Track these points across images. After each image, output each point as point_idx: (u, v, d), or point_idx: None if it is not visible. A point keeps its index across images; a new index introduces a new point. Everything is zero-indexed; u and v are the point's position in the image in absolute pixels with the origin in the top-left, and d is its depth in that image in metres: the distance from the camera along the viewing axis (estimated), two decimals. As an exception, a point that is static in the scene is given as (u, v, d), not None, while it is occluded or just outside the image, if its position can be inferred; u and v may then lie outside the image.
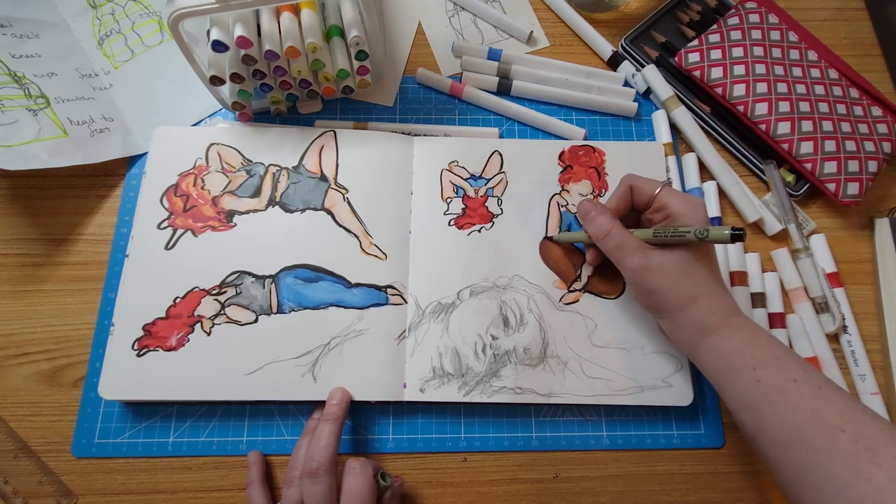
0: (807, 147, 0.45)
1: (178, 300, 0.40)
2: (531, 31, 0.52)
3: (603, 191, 0.46)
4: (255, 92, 0.44)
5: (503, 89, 0.50)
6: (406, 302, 0.42)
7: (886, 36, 0.54)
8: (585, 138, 0.48)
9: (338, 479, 0.34)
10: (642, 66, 0.51)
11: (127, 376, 0.38)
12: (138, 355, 0.39)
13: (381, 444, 0.40)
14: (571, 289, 0.43)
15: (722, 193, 0.47)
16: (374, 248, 0.43)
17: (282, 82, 0.43)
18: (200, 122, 0.47)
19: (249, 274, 0.41)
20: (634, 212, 0.40)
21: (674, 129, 0.49)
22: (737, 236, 0.32)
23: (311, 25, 0.40)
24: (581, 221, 0.39)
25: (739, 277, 0.44)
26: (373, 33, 0.41)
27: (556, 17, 0.54)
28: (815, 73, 0.48)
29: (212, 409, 0.40)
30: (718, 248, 0.45)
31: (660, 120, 0.49)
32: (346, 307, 0.41)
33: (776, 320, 0.44)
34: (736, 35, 0.48)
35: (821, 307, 0.44)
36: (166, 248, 0.41)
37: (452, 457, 0.40)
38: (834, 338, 0.44)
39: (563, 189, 0.46)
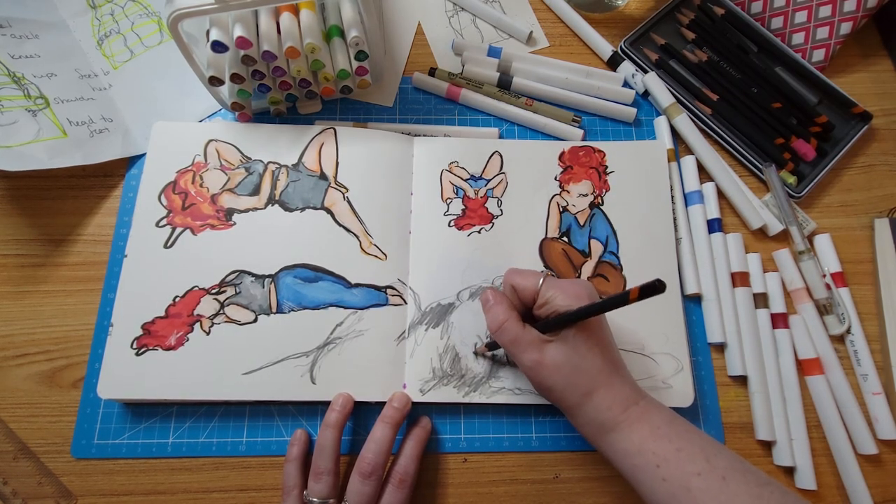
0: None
1: (177, 299, 0.40)
2: (531, 32, 0.52)
3: (604, 191, 0.46)
4: (255, 92, 0.44)
5: (503, 85, 0.50)
6: (406, 302, 0.42)
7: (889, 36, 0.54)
8: (584, 139, 0.48)
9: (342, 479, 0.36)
10: (642, 68, 0.51)
11: (126, 375, 0.38)
12: (137, 354, 0.39)
13: (381, 444, 0.40)
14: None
15: (722, 195, 0.47)
16: (374, 248, 0.43)
17: (281, 83, 0.43)
18: (200, 122, 0.47)
19: (249, 273, 0.41)
20: (526, 308, 0.37)
21: (674, 132, 0.49)
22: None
23: (310, 26, 0.40)
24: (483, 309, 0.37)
25: (741, 278, 0.44)
26: (373, 33, 0.41)
27: (555, 17, 0.54)
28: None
29: (211, 409, 0.40)
30: (718, 244, 0.45)
31: (661, 126, 0.49)
32: (345, 307, 0.41)
33: (778, 321, 0.43)
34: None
35: (824, 308, 0.44)
36: (165, 246, 0.41)
37: (452, 457, 0.40)
38: (837, 338, 0.44)
39: (563, 189, 0.46)
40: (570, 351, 0.33)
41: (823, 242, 0.46)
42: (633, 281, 0.43)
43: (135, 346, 0.39)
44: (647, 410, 0.32)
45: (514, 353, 0.34)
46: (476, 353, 0.41)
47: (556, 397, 0.34)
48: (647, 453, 0.31)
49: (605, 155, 0.47)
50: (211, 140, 0.45)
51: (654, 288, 0.27)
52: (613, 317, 0.42)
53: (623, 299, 0.29)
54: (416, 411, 0.40)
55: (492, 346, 0.40)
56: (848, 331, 0.43)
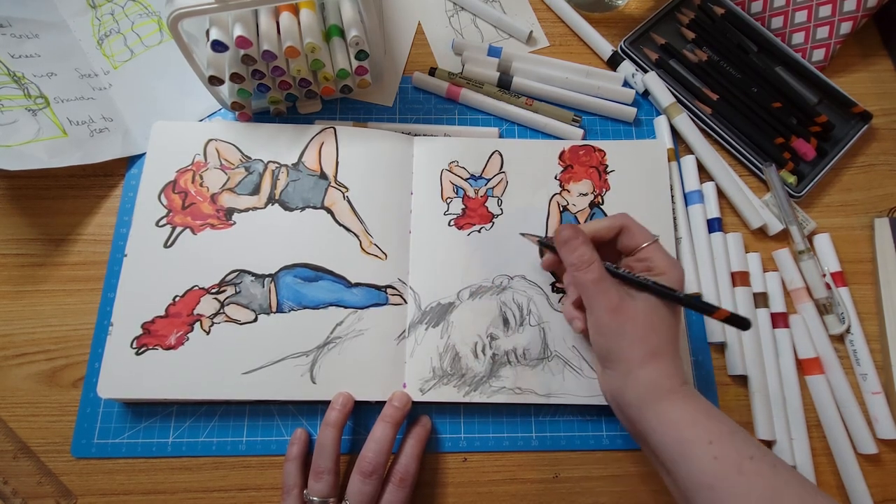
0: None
1: (177, 299, 0.40)
2: (531, 31, 0.52)
3: (604, 190, 0.46)
4: (255, 92, 0.44)
5: (503, 85, 0.50)
6: (406, 302, 0.42)
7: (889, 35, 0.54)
8: (584, 139, 0.48)
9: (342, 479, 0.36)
10: (642, 68, 0.51)
11: (125, 375, 0.38)
12: (137, 354, 0.39)
13: (381, 444, 0.40)
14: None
15: (722, 195, 0.47)
16: (374, 247, 0.43)
17: (281, 82, 0.43)
18: (200, 122, 0.47)
19: (249, 273, 0.41)
20: (611, 249, 0.38)
21: (674, 132, 0.49)
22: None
23: (309, 25, 0.40)
24: (558, 247, 0.36)
25: (741, 277, 0.44)
26: (373, 33, 0.41)
27: (555, 16, 0.54)
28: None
29: (211, 409, 0.40)
30: (718, 243, 0.45)
31: (661, 126, 0.49)
32: (345, 307, 0.41)
33: (779, 320, 0.43)
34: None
35: (824, 308, 0.44)
36: (165, 245, 0.41)
37: (452, 457, 0.40)
38: (837, 337, 0.44)
39: (563, 189, 0.46)
40: (653, 310, 0.33)
41: (823, 242, 0.46)
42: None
43: (135, 345, 0.39)
44: (698, 393, 0.32)
45: (593, 292, 0.33)
46: (524, 235, 0.41)
47: (619, 348, 0.32)
48: (699, 426, 0.30)
49: (605, 154, 0.47)
50: (211, 139, 0.45)
51: (741, 322, 0.31)
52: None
53: (709, 310, 0.32)
54: (416, 411, 0.40)
55: (544, 241, 0.40)
56: (848, 330, 0.43)
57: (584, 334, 0.37)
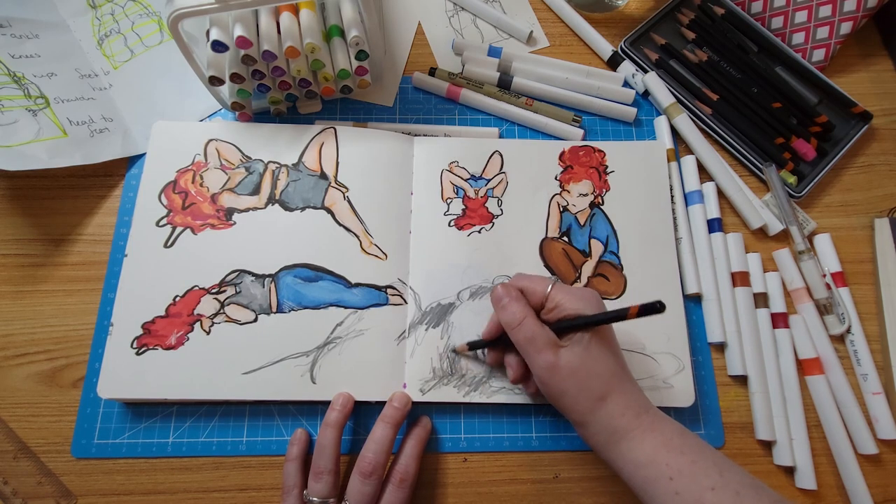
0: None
1: (177, 299, 0.40)
2: (531, 31, 0.52)
3: (604, 190, 0.46)
4: (255, 92, 0.44)
5: (503, 85, 0.50)
6: (406, 302, 0.42)
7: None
8: (584, 139, 0.48)
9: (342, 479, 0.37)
10: (642, 68, 0.51)
11: (126, 375, 0.38)
12: (137, 353, 0.39)
13: (381, 444, 0.40)
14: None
15: (722, 195, 0.47)
16: (374, 247, 0.43)
17: (281, 82, 0.43)
18: (200, 122, 0.47)
19: (249, 273, 0.41)
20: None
21: (674, 132, 0.49)
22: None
23: (310, 25, 0.40)
24: (494, 307, 0.36)
25: (741, 278, 0.44)
26: (373, 33, 0.41)
27: (555, 17, 0.54)
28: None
29: (211, 409, 0.40)
30: (718, 243, 0.45)
31: (661, 126, 0.49)
32: (345, 307, 0.41)
33: (779, 320, 0.43)
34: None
35: (824, 308, 0.44)
36: (166, 245, 0.41)
37: (452, 457, 0.40)
38: (837, 337, 0.44)
39: (563, 189, 0.46)
40: (585, 354, 0.32)
41: (823, 242, 0.46)
42: (633, 280, 0.43)
43: (135, 345, 0.39)
44: (658, 420, 0.32)
45: (529, 352, 0.33)
46: (456, 352, 0.40)
47: (569, 403, 0.33)
48: (660, 464, 0.30)
49: (605, 155, 0.47)
50: (211, 139, 0.45)
51: (654, 308, 0.30)
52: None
53: (622, 315, 0.31)
54: (416, 411, 0.40)
55: (475, 345, 0.39)
56: (848, 330, 0.43)
57: (517, 383, 0.38)
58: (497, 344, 0.38)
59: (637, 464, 0.31)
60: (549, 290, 0.35)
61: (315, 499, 0.34)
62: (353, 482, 0.35)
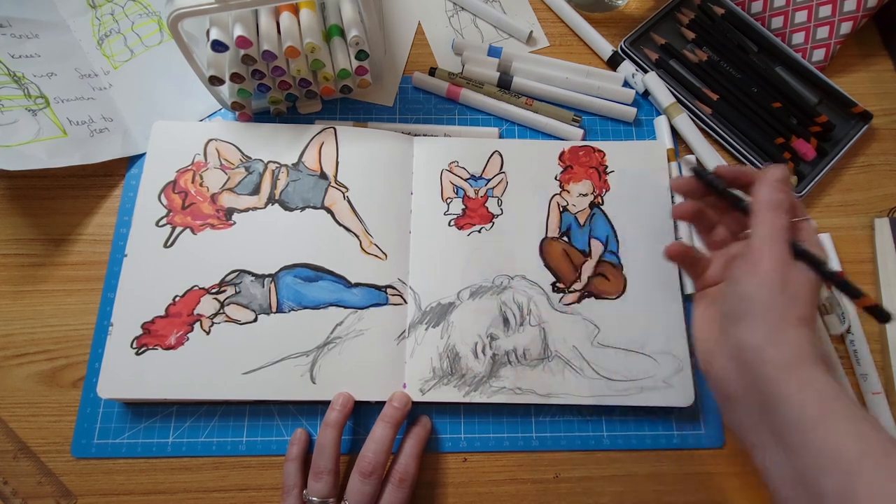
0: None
1: (177, 299, 0.40)
2: (531, 31, 0.52)
3: (604, 190, 0.46)
4: (255, 92, 0.44)
5: (503, 85, 0.50)
6: (406, 302, 0.42)
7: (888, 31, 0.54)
8: (584, 139, 0.48)
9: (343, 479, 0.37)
10: (642, 68, 0.51)
11: (125, 375, 0.38)
12: (137, 354, 0.39)
13: (381, 444, 0.40)
14: (571, 289, 0.43)
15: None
16: (374, 247, 0.43)
17: (281, 82, 0.43)
18: (200, 122, 0.47)
19: (249, 273, 0.41)
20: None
21: (674, 132, 0.49)
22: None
23: (310, 25, 0.40)
24: (767, 183, 0.32)
25: (740, 277, 0.44)
26: (373, 33, 0.41)
27: (555, 16, 0.54)
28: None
29: (211, 409, 0.40)
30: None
31: (661, 126, 0.49)
32: (345, 307, 0.41)
33: (777, 320, 0.43)
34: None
35: (823, 308, 0.44)
36: (165, 245, 0.41)
37: (452, 457, 0.40)
38: (836, 337, 0.44)
39: (563, 189, 0.46)
40: (811, 281, 0.30)
41: (825, 242, 0.46)
42: (633, 280, 0.43)
43: (135, 345, 0.39)
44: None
45: (773, 240, 0.30)
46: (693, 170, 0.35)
47: (780, 302, 0.29)
48: (842, 403, 0.26)
49: (605, 155, 0.47)
50: (211, 139, 0.45)
51: (883, 315, 0.30)
52: (614, 315, 0.42)
53: (856, 293, 0.31)
54: (416, 411, 0.40)
55: (700, 174, 0.35)
56: (848, 330, 0.43)
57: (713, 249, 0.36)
58: (721, 193, 0.35)
59: (821, 393, 0.26)
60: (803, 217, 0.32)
61: (315, 498, 0.34)
62: (353, 482, 0.35)
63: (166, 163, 0.44)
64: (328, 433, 0.36)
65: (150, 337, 0.39)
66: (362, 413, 0.41)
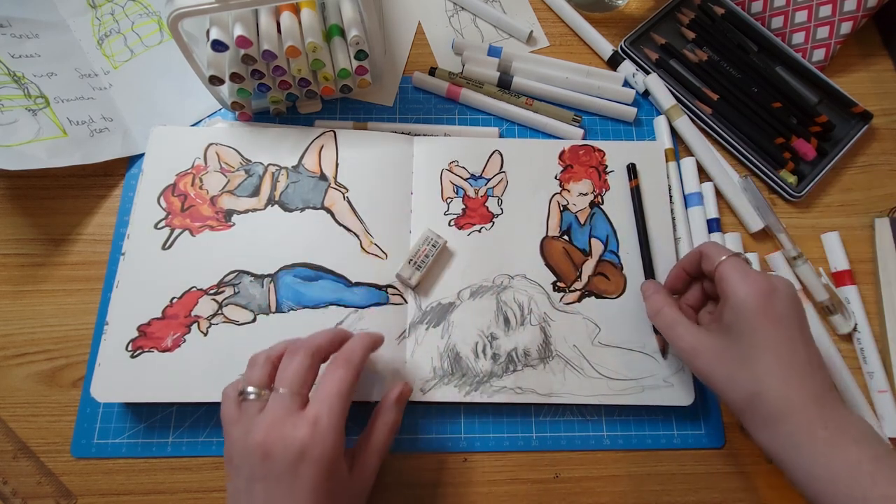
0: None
1: (174, 300, 0.40)
2: (531, 31, 0.52)
3: (604, 190, 0.46)
4: (255, 91, 0.44)
5: (503, 85, 0.50)
6: (406, 302, 0.42)
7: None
8: (584, 139, 0.48)
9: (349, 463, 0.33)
10: (642, 68, 0.51)
11: (120, 378, 0.38)
12: (132, 356, 0.38)
13: (381, 444, 0.40)
14: (572, 289, 0.43)
15: (721, 195, 0.47)
16: (374, 247, 0.43)
17: (281, 82, 0.43)
18: (200, 122, 0.47)
19: (248, 273, 0.41)
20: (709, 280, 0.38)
21: (674, 132, 0.49)
22: None
23: (310, 25, 0.40)
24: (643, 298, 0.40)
25: (740, 277, 0.44)
26: (373, 33, 0.41)
27: (555, 16, 0.54)
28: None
29: (211, 409, 0.40)
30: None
31: (661, 126, 0.49)
32: (346, 306, 0.41)
33: (777, 320, 0.43)
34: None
35: (828, 309, 0.43)
36: (163, 247, 0.41)
37: (452, 457, 0.40)
38: (841, 336, 0.44)
39: (563, 189, 0.46)
40: (734, 341, 0.32)
41: (832, 240, 0.46)
42: (633, 280, 0.43)
43: (130, 347, 0.39)
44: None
45: (670, 336, 0.36)
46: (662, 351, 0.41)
47: (716, 390, 0.33)
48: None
49: (605, 154, 0.47)
50: (211, 144, 0.45)
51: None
52: (615, 314, 0.42)
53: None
54: (416, 411, 0.40)
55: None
56: (854, 329, 0.43)
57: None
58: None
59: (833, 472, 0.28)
60: (718, 262, 0.34)
61: (250, 388, 0.30)
62: (281, 364, 0.31)
63: (165, 167, 0.44)
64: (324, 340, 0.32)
65: (145, 339, 0.39)
66: (362, 413, 0.41)
